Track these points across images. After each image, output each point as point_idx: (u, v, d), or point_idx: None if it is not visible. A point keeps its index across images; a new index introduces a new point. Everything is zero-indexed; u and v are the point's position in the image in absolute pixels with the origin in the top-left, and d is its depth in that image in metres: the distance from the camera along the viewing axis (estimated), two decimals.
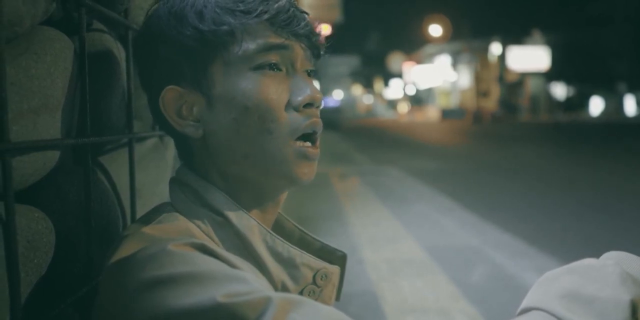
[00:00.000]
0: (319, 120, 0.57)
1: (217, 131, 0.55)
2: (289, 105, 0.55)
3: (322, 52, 0.60)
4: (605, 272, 0.47)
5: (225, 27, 0.54)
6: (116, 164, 0.78)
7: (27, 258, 0.52)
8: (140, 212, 0.77)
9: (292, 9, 0.56)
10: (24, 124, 0.54)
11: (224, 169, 0.57)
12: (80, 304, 0.64)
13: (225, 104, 0.54)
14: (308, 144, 0.56)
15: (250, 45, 0.54)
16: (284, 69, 0.56)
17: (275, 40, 0.54)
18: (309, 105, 0.56)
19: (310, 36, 0.57)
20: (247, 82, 0.54)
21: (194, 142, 0.58)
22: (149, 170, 0.87)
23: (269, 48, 0.54)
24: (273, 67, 0.55)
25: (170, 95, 0.56)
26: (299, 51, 0.57)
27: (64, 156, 0.66)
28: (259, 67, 0.54)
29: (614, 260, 0.49)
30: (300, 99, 0.55)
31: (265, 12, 0.54)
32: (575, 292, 0.46)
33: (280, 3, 0.55)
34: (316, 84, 0.59)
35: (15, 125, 0.52)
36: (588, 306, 0.45)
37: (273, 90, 0.54)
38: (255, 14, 0.54)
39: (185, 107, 0.56)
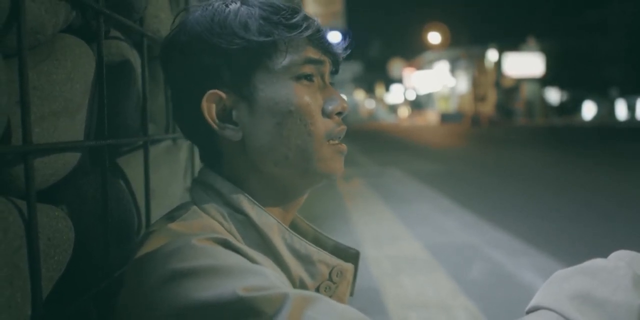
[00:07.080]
0: (345, 127, 0.61)
1: (258, 134, 0.58)
2: (322, 112, 0.60)
3: (339, 69, 0.65)
4: (617, 275, 0.47)
5: (272, 38, 0.57)
6: (131, 166, 0.80)
7: (47, 255, 0.54)
8: (154, 212, 0.79)
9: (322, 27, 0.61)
10: (45, 127, 0.55)
11: (261, 170, 0.59)
12: (98, 299, 0.66)
13: (269, 109, 0.57)
14: (337, 141, 0.61)
15: (294, 57, 0.58)
16: (315, 81, 0.60)
17: (314, 55, 0.59)
18: (339, 113, 0.61)
19: (338, 54, 0.62)
20: (288, 89, 0.57)
21: (228, 145, 0.59)
22: (162, 172, 0.89)
23: (309, 61, 0.58)
24: (309, 78, 0.59)
25: (211, 98, 0.57)
26: (328, 66, 0.61)
27: (83, 157, 0.68)
28: (298, 77, 0.58)
29: (625, 262, 0.49)
30: (331, 107, 0.60)
31: (308, 28, 0.58)
32: (586, 293, 0.46)
33: (317, 21, 0.60)
34: None
35: (37, 127, 0.54)
36: (599, 309, 0.45)
37: (311, 98, 0.59)
38: (300, 30, 0.57)
39: (223, 110, 0.58)
